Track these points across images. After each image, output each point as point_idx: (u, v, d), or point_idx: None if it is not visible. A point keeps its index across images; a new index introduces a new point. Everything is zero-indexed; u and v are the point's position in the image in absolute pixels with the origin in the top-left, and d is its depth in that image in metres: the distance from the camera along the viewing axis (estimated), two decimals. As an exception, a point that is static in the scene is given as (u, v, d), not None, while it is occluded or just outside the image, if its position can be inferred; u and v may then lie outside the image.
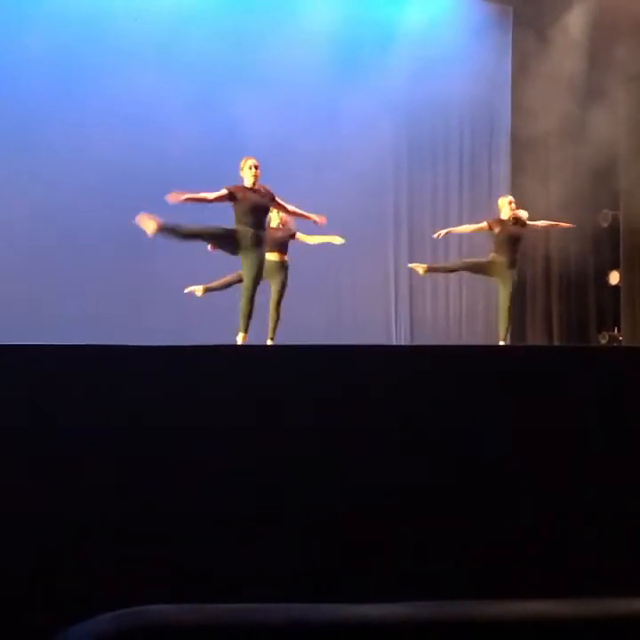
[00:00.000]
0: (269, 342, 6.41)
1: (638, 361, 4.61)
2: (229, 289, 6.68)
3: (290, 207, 6.29)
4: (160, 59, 8.17)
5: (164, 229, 5.58)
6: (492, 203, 8.58)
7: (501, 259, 7.12)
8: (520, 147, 10.07)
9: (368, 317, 9.53)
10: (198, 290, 6.77)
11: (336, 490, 3.44)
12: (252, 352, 4.52)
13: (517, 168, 10.11)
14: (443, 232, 7.61)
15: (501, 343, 7.09)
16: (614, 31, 8.90)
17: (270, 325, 6.49)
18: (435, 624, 0.82)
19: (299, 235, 6.80)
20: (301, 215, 6.43)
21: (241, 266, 5.96)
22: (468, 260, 7.95)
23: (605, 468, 3.76)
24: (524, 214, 7.29)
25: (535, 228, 7.67)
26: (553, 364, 4.30)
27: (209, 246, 6.19)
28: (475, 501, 3.61)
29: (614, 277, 9.77)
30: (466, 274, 8.56)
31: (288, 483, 3.39)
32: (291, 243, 6.78)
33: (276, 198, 6.09)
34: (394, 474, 3.53)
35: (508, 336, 7.26)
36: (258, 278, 5.85)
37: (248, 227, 5.78)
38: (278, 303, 6.55)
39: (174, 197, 5.67)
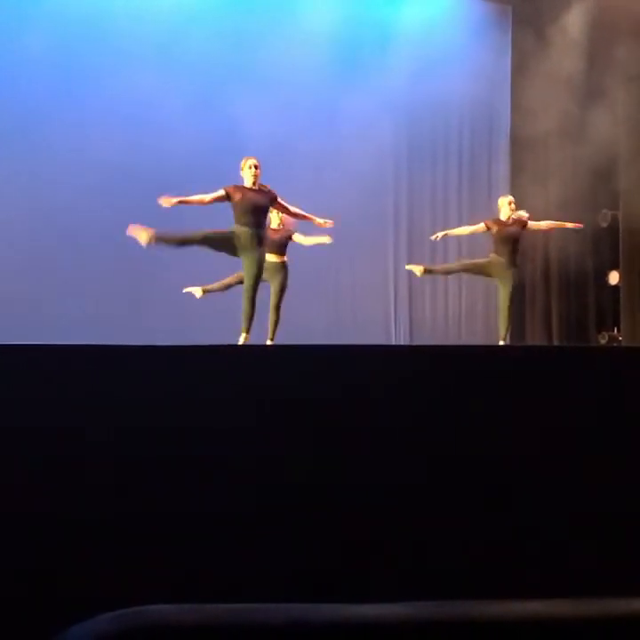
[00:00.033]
0: (269, 343, 6.40)
1: (638, 361, 4.61)
2: (229, 289, 6.67)
3: (293, 209, 6.22)
4: (160, 59, 8.17)
5: (158, 239, 5.59)
6: (491, 202, 8.58)
7: (500, 259, 7.11)
8: (519, 146, 10.07)
9: (367, 317, 9.53)
10: (197, 291, 6.75)
11: (336, 490, 3.44)
12: (251, 352, 4.52)
13: (517, 168, 10.11)
14: (440, 234, 7.59)
15: (501, 343, 7.09)
16: (614, 31, 8.90)
17: (270, 327, 6.48)
18: (435, 624, 0.82)
19: (294, 236, 6.77)
20: (306, 217, 6.36)
21: (241, 266, 5.95)
22: (467, 262, 7.93)
23: (605, 468, 3.76)
24: (524, 215, 7.27)
25: (539, 229, 7.64)
26: (552, 364, 4.31)
27: None
28: (475, 501, 3.61)
29: (614, 277, 9.77)
30: (465, 274, 8.55)
31: (288, 483, 3.39)
32: (290, 243, 6.77)
33: (279, 199, 6.04)
34: (394, 474, 3.53)
35: (508, 336, 7.25)
36: (258, 278, 5.82)
37: (247, 226, 5.75)
38: (278, 304, 6.54)
39: (166, 201, 5.67)
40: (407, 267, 7.96)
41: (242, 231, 5.74)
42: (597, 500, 3.70)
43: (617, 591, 0.96)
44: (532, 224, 7.26)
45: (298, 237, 6.78)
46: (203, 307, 6.89)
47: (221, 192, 5.80)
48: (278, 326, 6.51)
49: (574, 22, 9.33)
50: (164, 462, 3.30)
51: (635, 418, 3.98)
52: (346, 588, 3.19)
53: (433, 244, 8.21)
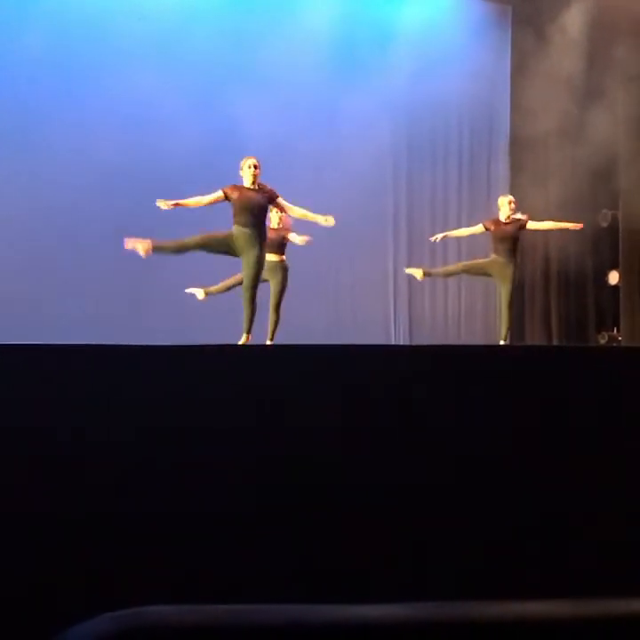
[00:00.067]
0: (269, 343, 6.40)
1: (637, 361, 4.61)
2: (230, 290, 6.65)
3: (294, 208, 6.12)
4: (160, 58, 8.17)
5: (156, 249, 5.65)
6: (490, 202, 8.59)
7: (500, 258, 7.12)
8: (519, 146, 10.07)
9: (367, 317, 9.53)
10: (199, 293, 6.74)
11: (336, 490, 3.44)
12: (251, 352, 4.52)
13: (516, 168, 10.11)
14: (440, 236, 7.61)
15: (502, 342, 7.09)
16: (613, 31, 8.91)
17: (270, 327, 6.47)
18: (434, 625, 0.82)
19: (289, 235, 6.72)
20: (307, 217, 6.27)
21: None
22: (467, 263, 7.94)
23: (605, 468, 3.76)
24: (522, 217, 7.27)
25: (539, 231, 7.63)
26: (552, 364, 4.31)
27: None
28: (474, 501, 3.61)
29: (613, 277, 9.78)
30: (465, 275, 8.55)
31: (288, 483, 3.39)
32: (289, 243, 6.75)
33: (280, 199, 5.99)
34: (394, 474, 3.53)
35: (508, 335, 7.25)
36: (256, 278, 5.79)
37: (245, 225, 5.74)
38: (277, 304, 6.52)
39: (164, 203, 5.69)
40: (407, 271, 7.95)
41: (240, 231, 5.73)
42: (597, 499, 3.70)
43: (617, 591, 0.96)
44: (531, 224, 7.25)
45: (294, 238, 6.72)
46: (203, 307, 6.88)
47: (219, 193, 5.81)
48: (278, 326, 6.50)
49: (574, 22, 9.33)
50: (163, 462, 3.31)
51: (634, 418, 3.98)
52: (346, 589, 3.19)
53: (432, 243, 8.20)
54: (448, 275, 8.31)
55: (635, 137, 9.23)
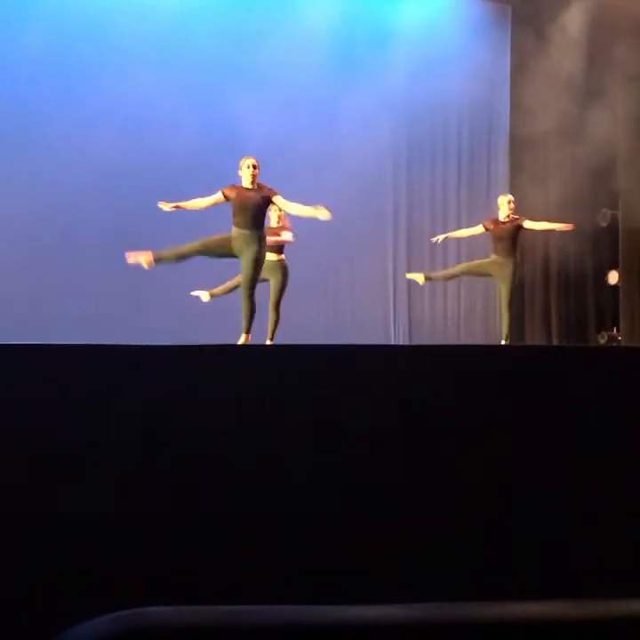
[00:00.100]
0: (269, 343, 6.39)
1: (637, 361, 4.61)
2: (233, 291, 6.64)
3: (291, 205, 6.08)
4: (160, 58, 8.18)
5: (157, 259, 5.73)
6: (490, 202, 8.59)
7: (499, 258, 7.14)
8: (519, 146, 10.07)
9: (367, 317, 9.53)
10: (204, 295, 6.74)
11: (336, 490, 3.44)
12: (251, 352, 4.52)
13: (516, 167, 10.11)
14: (441, 237, 7.65)
15: (503, 342, 7.08)
16: (613, 30, 8.90)
17: (270, 326, 6.46)
18: (434, 625, 0.82)
19: (282, 234, 6.65)
20: (303, 213, 6.20)
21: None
22: (466, 265, 7.95)
23: (605, 468, 3.76)
24: (521, 219, 7.28)
25: (538, 231, 7.64)
26: (552, 364, 4.31)
27: None
28: (474, 501, 3.61)
29: (613, 277, 9.78)
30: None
31: (288, 483, 3.39)
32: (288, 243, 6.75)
33: (279, 198, 5.96)
34: (394, 474, 3.53)
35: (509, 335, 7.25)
36: (255, 277, 5.76)
37: (243, 225, 5.73)
38: (277, 304, 6.52)
39: (165, 205, 5.75)
40: (408, 276, 7.99)
41: (238, 233, 5.74)
42: (597, 500, 3.70)
43: (617, 591, 0.96)
44: (528, 223, 7.24)
45: (286, 235, 6.66)
46: (203, 307, 6.88)
47: (219, 195, 5.83)
48: (278, 326, 6.50)
49: (574, 22, 9.33)
50: (163, 462, 3.30)
51: (634, 418, 3.98)
52: (345, 589, 3.19)
53: (432, 243, 8.21)
54: (449, 278, 8.31)
55: (634, 137, 9.23)
